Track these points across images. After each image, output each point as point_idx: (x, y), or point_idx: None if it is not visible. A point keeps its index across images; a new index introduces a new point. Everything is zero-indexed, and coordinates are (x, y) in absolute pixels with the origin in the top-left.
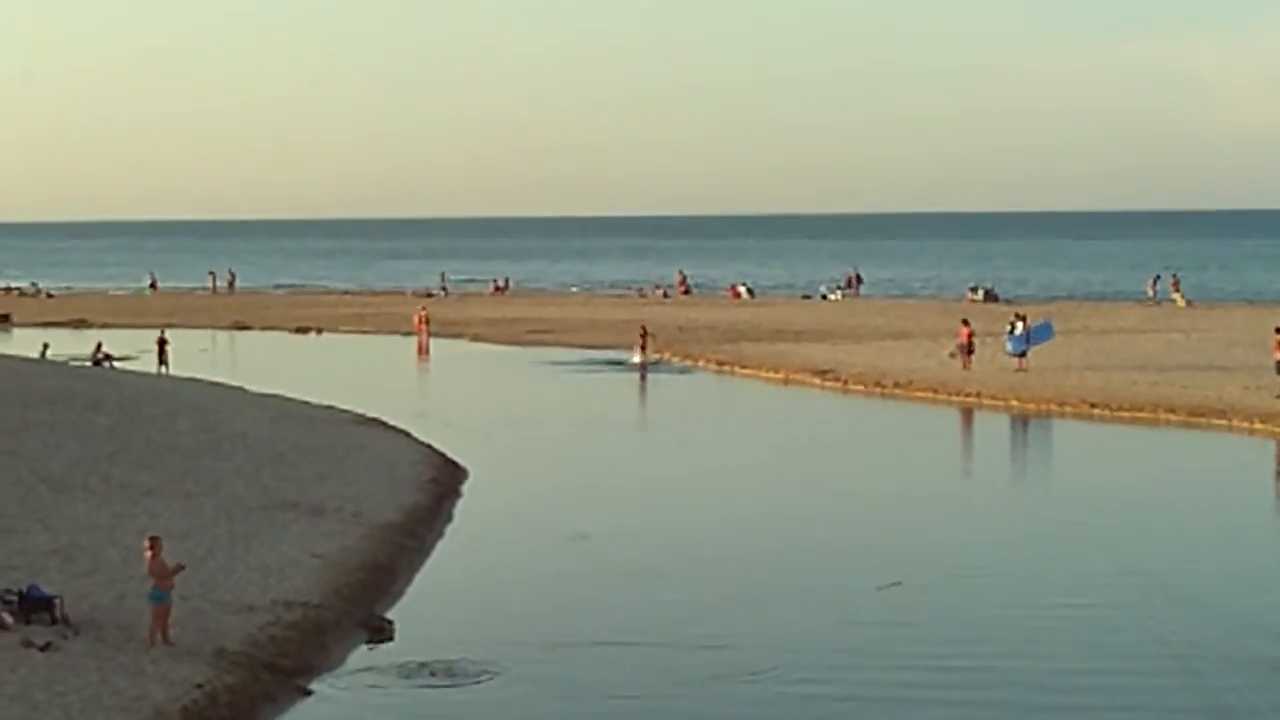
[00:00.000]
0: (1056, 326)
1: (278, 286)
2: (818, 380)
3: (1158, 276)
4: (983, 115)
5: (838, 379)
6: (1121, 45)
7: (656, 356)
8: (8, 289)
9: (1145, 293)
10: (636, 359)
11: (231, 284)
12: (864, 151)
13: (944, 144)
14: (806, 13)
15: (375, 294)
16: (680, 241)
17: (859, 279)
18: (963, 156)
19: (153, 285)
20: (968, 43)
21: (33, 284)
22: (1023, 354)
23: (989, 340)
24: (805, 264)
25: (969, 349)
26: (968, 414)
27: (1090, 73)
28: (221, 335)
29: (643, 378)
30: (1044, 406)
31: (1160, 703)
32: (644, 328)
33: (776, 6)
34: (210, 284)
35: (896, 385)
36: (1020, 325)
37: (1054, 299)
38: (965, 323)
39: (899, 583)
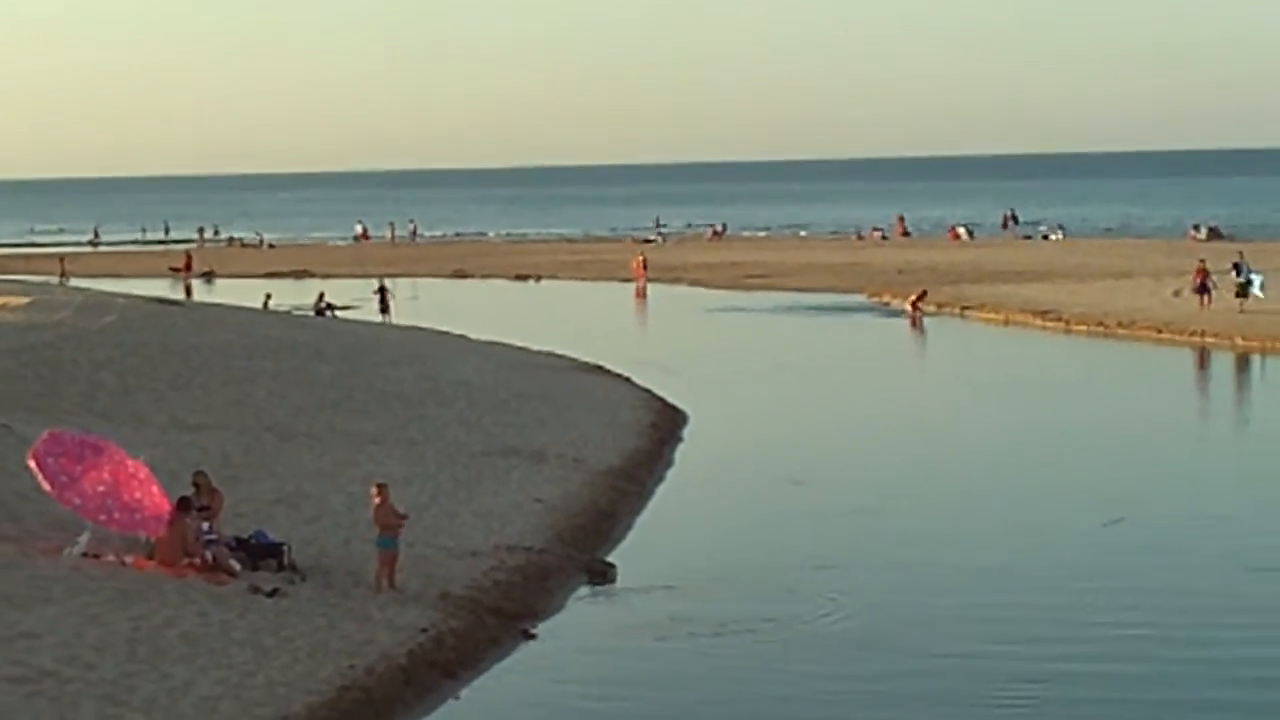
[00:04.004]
0: None
1: (507, 235)
2: (1039, 321)
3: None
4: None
5: (1059, 319)
6: None
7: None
8: (230, 240)
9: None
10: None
11: (414, 234)
12: (1063, 87)
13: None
14: None
15: (593, 240)
16: (889, 184)
17: (1015, 218)
18: (1167, 92)
19: (362, 235)
20: None
21: (256, 235)
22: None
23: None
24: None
25: (1204, 288)
26: (1191, 354)
27: None
28: (441, 283)
29: (915, 325)
30: (1271, 345)
31: None
32: (924, 291)
33: None
34: (389, 234)
35: (1119, 325)
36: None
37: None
38: (1201, 262)
39: (1122, 519)
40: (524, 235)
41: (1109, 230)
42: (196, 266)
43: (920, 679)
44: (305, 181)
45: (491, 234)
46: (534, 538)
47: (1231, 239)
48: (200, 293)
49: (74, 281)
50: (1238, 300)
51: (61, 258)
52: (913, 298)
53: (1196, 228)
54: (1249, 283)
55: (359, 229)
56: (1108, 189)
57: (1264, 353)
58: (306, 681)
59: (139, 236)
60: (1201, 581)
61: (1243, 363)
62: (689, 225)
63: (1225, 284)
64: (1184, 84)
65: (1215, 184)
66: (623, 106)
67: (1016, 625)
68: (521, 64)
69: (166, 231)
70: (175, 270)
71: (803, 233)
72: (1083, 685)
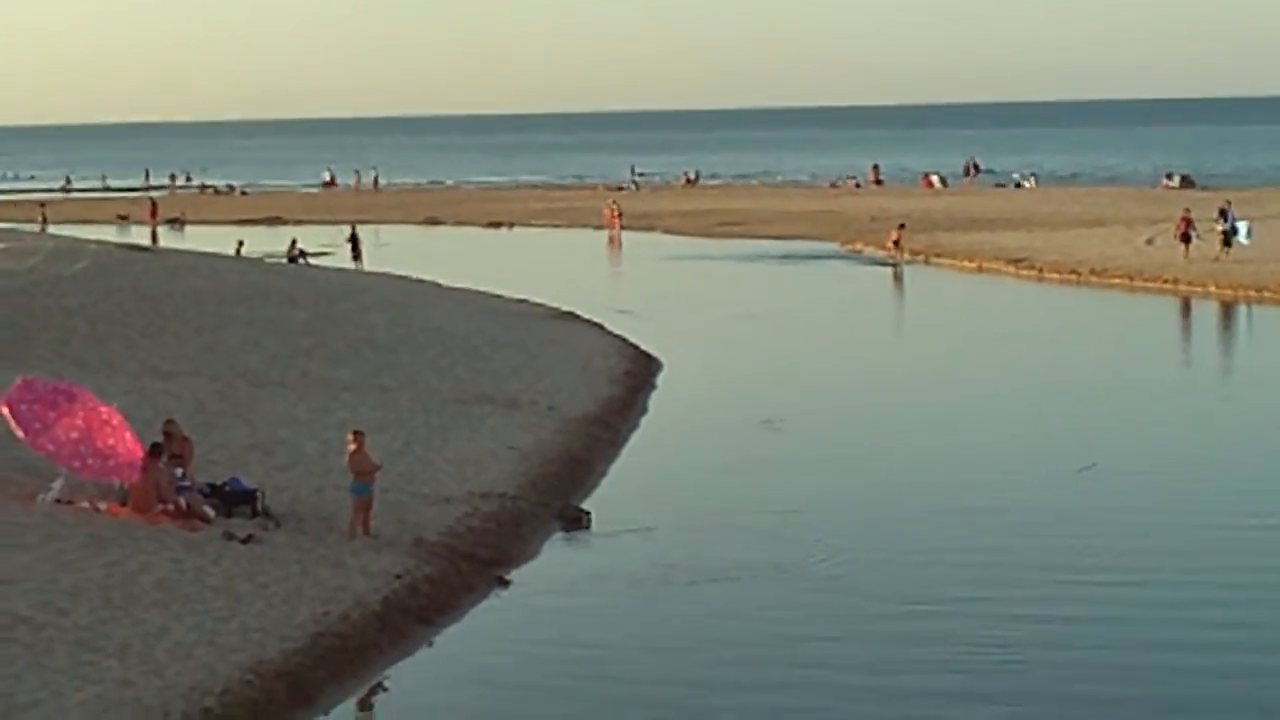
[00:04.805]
0: (1255, 212)
1: (467, 183)
2: (1012, 269)
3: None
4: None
5: (1032, 267)
6: None
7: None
8: (203, 187)
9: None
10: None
11: (375, 182)
12: (1012, 38)
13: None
14: None
15: (566, 188)
16: (862, 132)
17: (976, 168)
18: (1142, 40)
19: (330, 182)
20: None
21: (228, 183)
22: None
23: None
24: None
25: (1187, 237)
26: (1164, 301)
27: None
28: (413, 230)
29: (897, 278)
30: (1243, 293)
31: None
32: (902, 224)
33: None
34: (354, 182)
35: (1092, 272)
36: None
37: (1251, 185)
38: (1186, 211)
39: (1094, 465)
40: (490, 183)
41: (1075, 177)
42: (164, 213)
43: (898, 630)
44: (263, 129)
45: (449, 181)
46: (508, 484)
47: (1204, 188)
48: (171, 239)
49: (50, 228)
50: (1222, 249)
51: (42, 204)
52: (893, 236)
53: (1169, 176)
54: (1235, 230)
55: (326, 176)
56: (1061, 137)
57: (1238, 301)
58: (281, 627)
59: (98, 184)
60: (1174, 529)
61: (1217, 310)
62: (660, 174)
63: (1207, 231)
64: (1131, 35)
65: (1171, 132)
66: (593, 54)
67: (994, 571)
68: (483, 11)
69: (147, 178)
70: (123, 218)
71: (754, 181)
72: (1049, 643)
